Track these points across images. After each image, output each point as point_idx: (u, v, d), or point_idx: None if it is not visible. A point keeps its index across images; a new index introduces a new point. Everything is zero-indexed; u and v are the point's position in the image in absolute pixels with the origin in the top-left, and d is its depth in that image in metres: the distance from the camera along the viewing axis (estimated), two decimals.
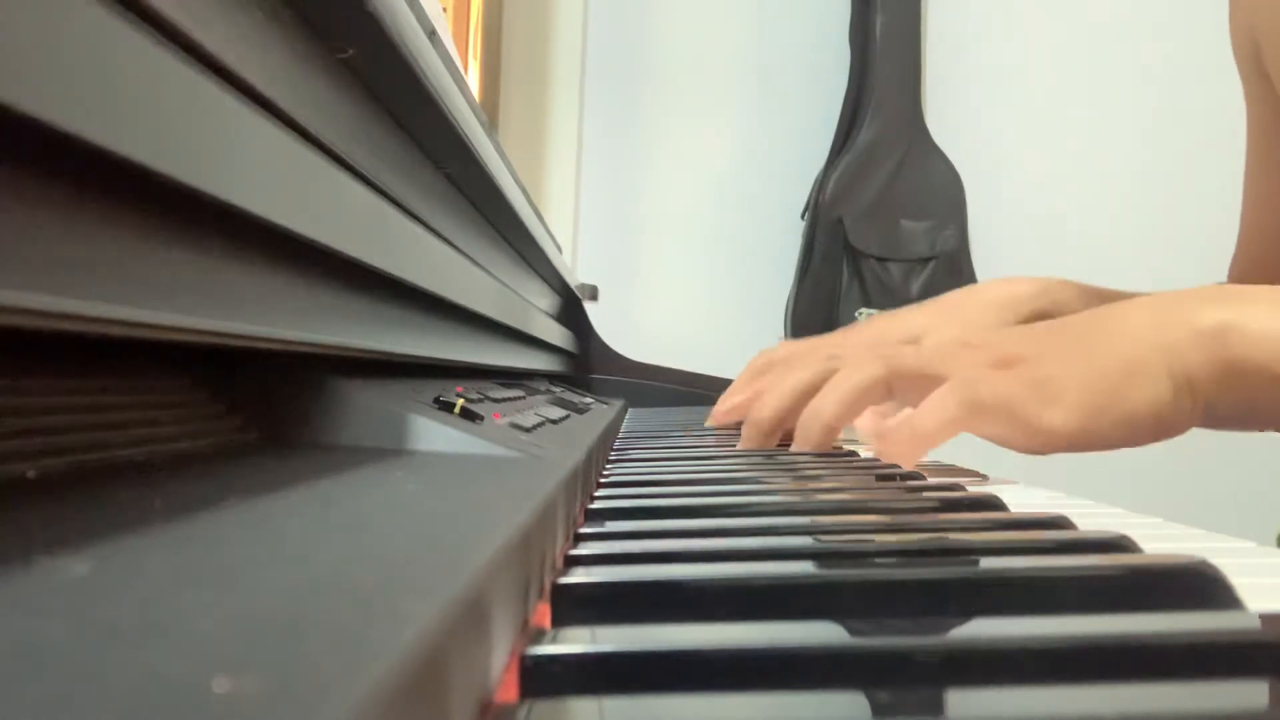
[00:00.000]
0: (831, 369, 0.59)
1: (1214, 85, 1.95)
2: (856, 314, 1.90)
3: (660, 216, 2.01)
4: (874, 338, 0.77)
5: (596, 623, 0.21)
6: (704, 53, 2.01)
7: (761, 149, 2.00)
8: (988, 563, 0.25)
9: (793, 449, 0.59)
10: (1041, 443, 0.51)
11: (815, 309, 1.92)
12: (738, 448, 0.63)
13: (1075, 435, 0.50)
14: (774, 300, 1.97)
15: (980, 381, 0.51)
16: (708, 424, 0.80)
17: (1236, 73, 0.82)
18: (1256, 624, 0.19)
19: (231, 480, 0.25)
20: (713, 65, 2.01)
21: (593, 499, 0.38)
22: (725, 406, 0.77)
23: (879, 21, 1.93)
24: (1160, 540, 0.29)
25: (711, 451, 0.60)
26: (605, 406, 0.93)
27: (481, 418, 0.41)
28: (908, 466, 0.50)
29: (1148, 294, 0.55)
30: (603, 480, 0.44)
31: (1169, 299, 0.53)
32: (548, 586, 0.23)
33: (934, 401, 0.51)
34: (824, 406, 0.57)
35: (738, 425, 0.70)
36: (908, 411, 0.57)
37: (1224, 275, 0.92)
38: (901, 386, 0.56)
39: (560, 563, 0.26)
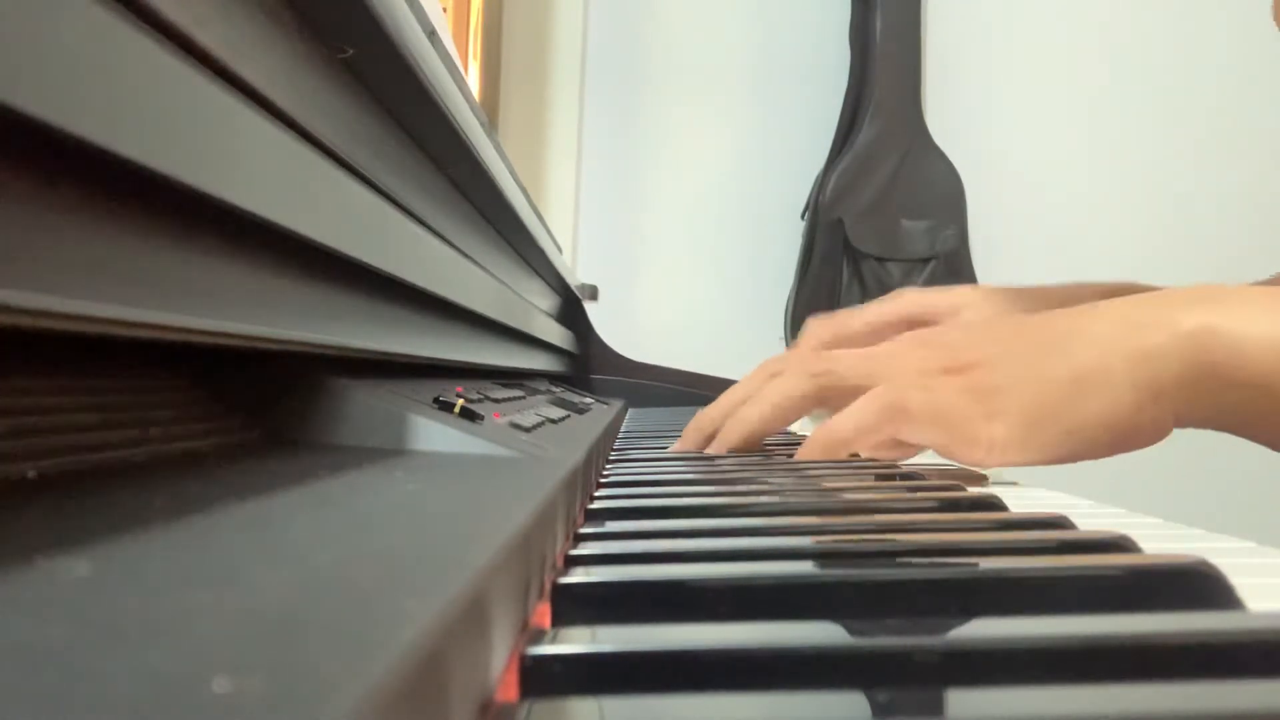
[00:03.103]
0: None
1: (1215, 85, 1.95)
2: None
3: (660, 216, 2.01)
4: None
5: (596, 623, 0.21)
6: (704, 53, 2.01)
7: (761, 149, 2.00)
8: (988, 563, 0.25)
9: (709, 450, 0.58)
10: (981, 455, 0.49)
11: (815, 309, 1.92)
12: (671, 448, 0.62)
13: (1016, 449, 0.49)
14: (774, 300, 1.97)
15: (912, 388, 0.50)
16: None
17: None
18: (1256, 624, 0.19)
19: (231, 480, 0.25)
20: (713, 65, 2.01)
21: (593, 499, 0.38)
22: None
23: (879, 21, 1.93)
24: (1160, 540, 0.29)
25: (711, 451, 0.60)
26: (605, 406, 0.93)
27: (481, 418, 0.41)
28: None
29: (1132, 295, 0.52)
30: (603, 480, 0.44)
31: (1152, 298, 0.50)
32: (548, 586, 0.23)
33: (854, 407, 0.50)
34: (749, 413, 0.57)
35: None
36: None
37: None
38: (836, 401, 0.54)
39: (560, 562, 0.26)
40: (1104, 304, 0.51)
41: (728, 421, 0.58)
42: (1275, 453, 0.54)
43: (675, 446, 0.62)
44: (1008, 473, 0.54)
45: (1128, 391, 0.48)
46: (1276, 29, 0.76)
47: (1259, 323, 0.46)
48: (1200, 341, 0.46)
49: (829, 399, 0.55)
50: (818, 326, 0.80)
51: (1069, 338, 0.50)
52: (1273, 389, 0.46)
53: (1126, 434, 0.49)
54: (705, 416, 0.61)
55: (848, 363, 0.56)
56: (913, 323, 0.78)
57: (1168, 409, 0.48)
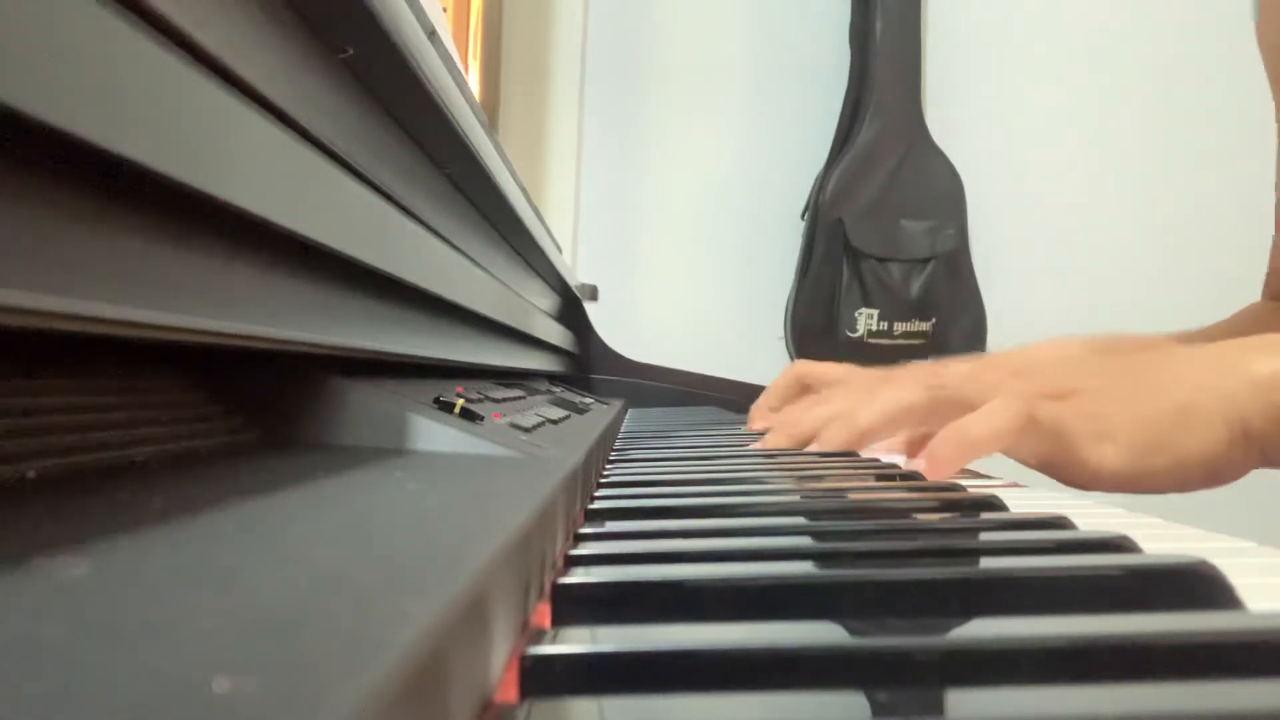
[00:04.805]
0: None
1: (1215, 85, 1.95)
2: (856, 314, 1.90)
3: (660, 216, 2.01)
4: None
5: (596, 623, 0.21)
6: (704, 53, 2.00)
7: (761, 149, 2.00)
8: (988, 563, 0.25)
9: (812, 446, 0.59)
10: (1089, 478, 0.50)
11: (815, 309, 1.92)
12: (757, 445, 0.63)
13: (1124, 474, 0.50)
14: (774, 300, 1.97)
15: (1036, 403, 0.50)
16: (750, 428, 0.79)
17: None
18: (1256, 624, 0.19)
19: (231, 480, 0.25)
20: (713, 65, 2.01)
21: (593, 499, 0.37)
22: (769, 419, 0.76)
23: (879, 21, 1.93)
24: (1160, 540, 0.29)
25: (711, 452, 0.60)
26: (605, 406, 0.93)
27: (481, 418, 0.41)
28: (949, 473, 0.50)
29: (1198, 345, 0.54)
30: (603, 480, 0.44)
31: (1222, 347, 0.53)
32: (548, 586, 0.23)
33: (988, 409, 0.50)
34: (860, 413, 0.57)
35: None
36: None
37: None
38: (942, 413, 0.55)
39: (560, 562, 0.26)
40: (1185, 349, 0.55)
41: (834, 423, 0.59)
42: None
43: (759, 445, 0.63)
44: (1005, 473, 0.54)
45: (1222, 428, 0.50)
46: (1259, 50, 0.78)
47: None
48: (1276, 387, 0.50)
49: (938, 411, 0.56)
50: (825, 369, 0.81)
51: (1158, 375, 0.53)
52: None
53: (1218, 470, 0.51)
54: (799, 427, 0.62)
55: (957, 380, 0.58)
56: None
57: (1255, 449, 0.50)
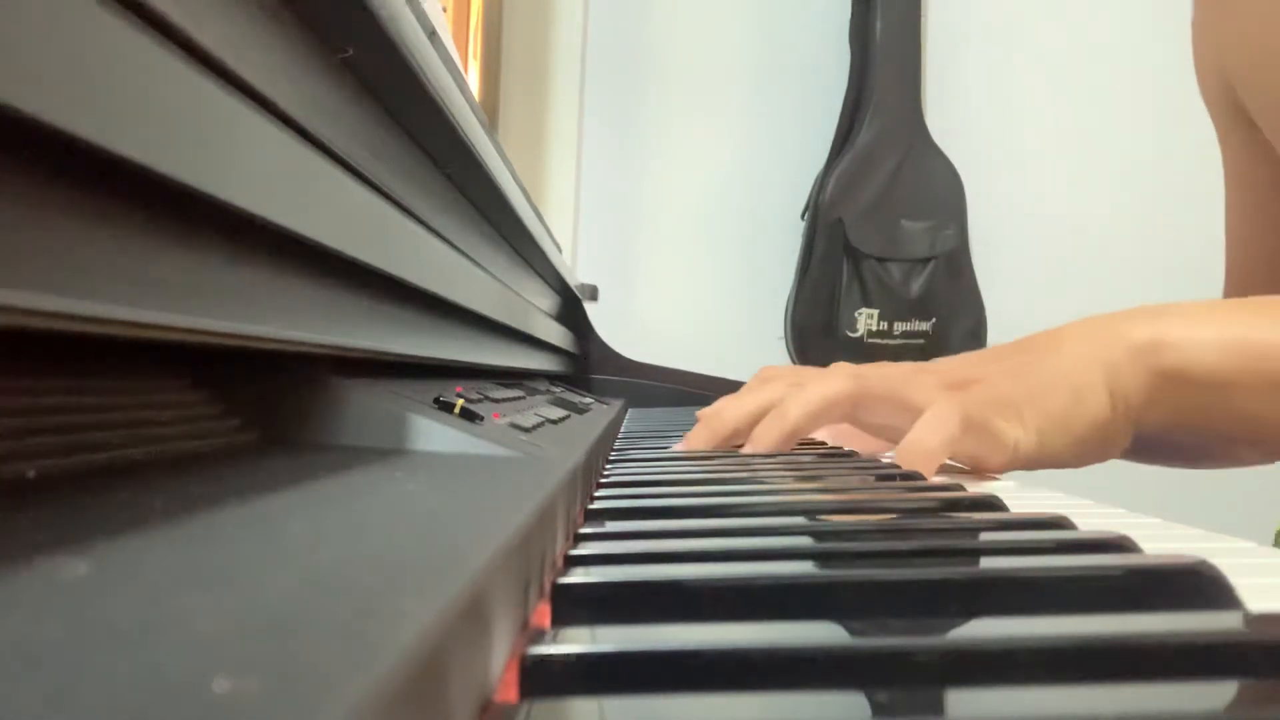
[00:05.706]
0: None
1: None
2: (856, 314, 1.90)
3: (660, 216, 2.01)
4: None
5: (596, 623, 0.21)
6: (704, 53, 2.01)
7: (761, 149, 2.00)
8: (988, 563, 0.25)
9: (745, 449, 0.58)
10: (1005, 463, 0.51)
11: (815, 309, 1.92)
12: (676, 448, 0.60)
13: (1033, 453, 0.51)
14: (774, 300, 1.97)
15: (963, 401, 0.51)
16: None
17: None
18: (1256, 624, 0.19)
19: (231, 480, 0.25)
20: (713, 65, 2.01)
21: (593, 499, 0.37)
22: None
23: (879, 21, 1.93)
24: (1160, 540, 0.29)
25: (711, 451, 0.59)
26: (605, 406, 0.93)
27: (481, 418, 0.41)
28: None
29: (1081, 319, 0.56)
30: (603, 480, 0.44)
31: (1102, 319, 0.54)
32: (548, 586, 0.23)
33: (933, 420, 0.50)
34: (789, 408, 0.57)
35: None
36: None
37: (1220, 275, 0.92)
38: (867, 405, 0.56)
39: (560, 563, 0.26)
40: (1068, 325, 0.56)
41: (765, 419, 0.58)
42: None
43: (681, 446, 0.60)
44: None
45: (1107, 398, 0.51)
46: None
47: (1203, 329, 0.51)
48: (1154, 351, 0.51)
49: (863, 403, 0.57)
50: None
51: (1044, 354, 0.54)
52: (1226, 384, 0.51)
53: (1106, 441, 0.52)
54: (719, 418, 0.61)
55: (876, 373, 0.58)
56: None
57: (1133, 417, 0.52)
